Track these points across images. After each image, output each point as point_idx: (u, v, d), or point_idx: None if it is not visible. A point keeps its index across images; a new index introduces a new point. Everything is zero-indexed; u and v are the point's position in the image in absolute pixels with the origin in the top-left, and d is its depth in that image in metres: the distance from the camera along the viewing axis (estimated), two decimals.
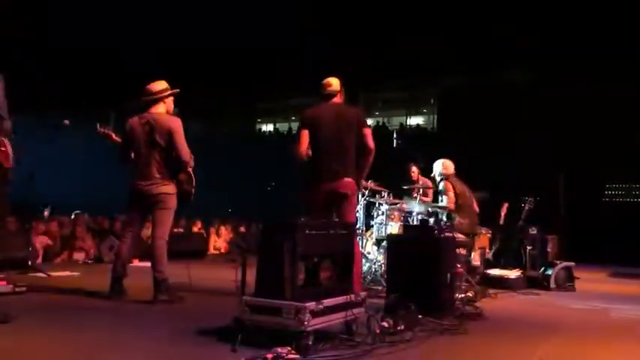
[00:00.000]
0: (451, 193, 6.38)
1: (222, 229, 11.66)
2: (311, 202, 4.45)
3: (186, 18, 15.59)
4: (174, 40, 15.84)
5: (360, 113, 4.71)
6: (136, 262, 6.98)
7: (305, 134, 4.51)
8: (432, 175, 6.78)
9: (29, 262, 6.55)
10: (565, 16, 13.52)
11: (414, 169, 7.29)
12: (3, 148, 3.59)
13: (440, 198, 6.63)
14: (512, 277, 6.62)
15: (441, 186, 6.56)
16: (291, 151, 4.53)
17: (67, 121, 5.03)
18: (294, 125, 22.69)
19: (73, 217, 9.33)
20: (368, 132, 4.58)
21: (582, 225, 11.98)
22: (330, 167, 4.45)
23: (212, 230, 11.35)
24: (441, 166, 6.64)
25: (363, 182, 6.59)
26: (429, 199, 7.07)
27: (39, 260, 7.41)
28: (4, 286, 4.50)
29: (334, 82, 4.66)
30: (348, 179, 4.47)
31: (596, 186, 13.95)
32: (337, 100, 4.67)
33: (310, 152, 4.54)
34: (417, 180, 7.21)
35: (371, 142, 4.53)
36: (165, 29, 15.48)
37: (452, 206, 6.34)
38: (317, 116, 4.56)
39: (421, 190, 6.80)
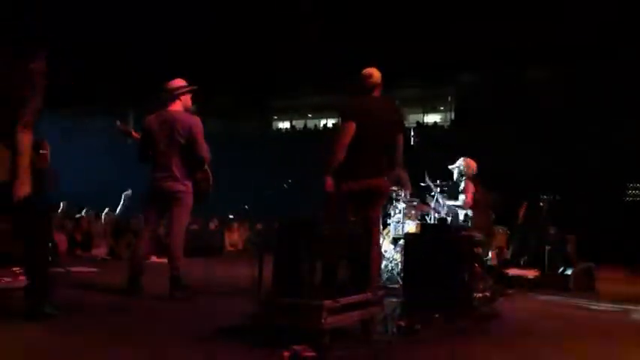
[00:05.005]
0: (470, 194, 6.30)
1: (239, 226, 11.71)
2: (346, 196, 4.20)
3: (204, 16, 15.67)
4: (191, 39, 15.94)
5: (403, 118, 4.52)
6: (153, 259, 7.04)
7: (352, 126, 4.16)
8: (452, 167, 6.64)
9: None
10: (581, 15, 13.30)
11: None
12: (43, 151, 3.44)
13: (459, 196, 6.55)
14: (531, 277, 6.54)
15: (462, 185, 6.47)
16: (331, 142, 4.22)
17: (118, 122, 4.95)
18: (310, 123, 22.70)
19: (97, 214, 9.48)
20: (401, 141, 4.40)
21: (603, 225, 11.79)
22: (374, 164, 4.25)
23: (228, 227, 11.41)
24: (464, 164, 6.53)
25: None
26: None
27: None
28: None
29: (376, 74, 4.37)
30: (384, 179, 4.36)
31: (617, 185, 13.72)
32: (377, 93, 4.38)
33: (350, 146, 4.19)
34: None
35: (401, 154, 4.37)
36: (183, 28, 15.58)
37: (470, 204, 6.25)
38: (365, 109, 4.28)
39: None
